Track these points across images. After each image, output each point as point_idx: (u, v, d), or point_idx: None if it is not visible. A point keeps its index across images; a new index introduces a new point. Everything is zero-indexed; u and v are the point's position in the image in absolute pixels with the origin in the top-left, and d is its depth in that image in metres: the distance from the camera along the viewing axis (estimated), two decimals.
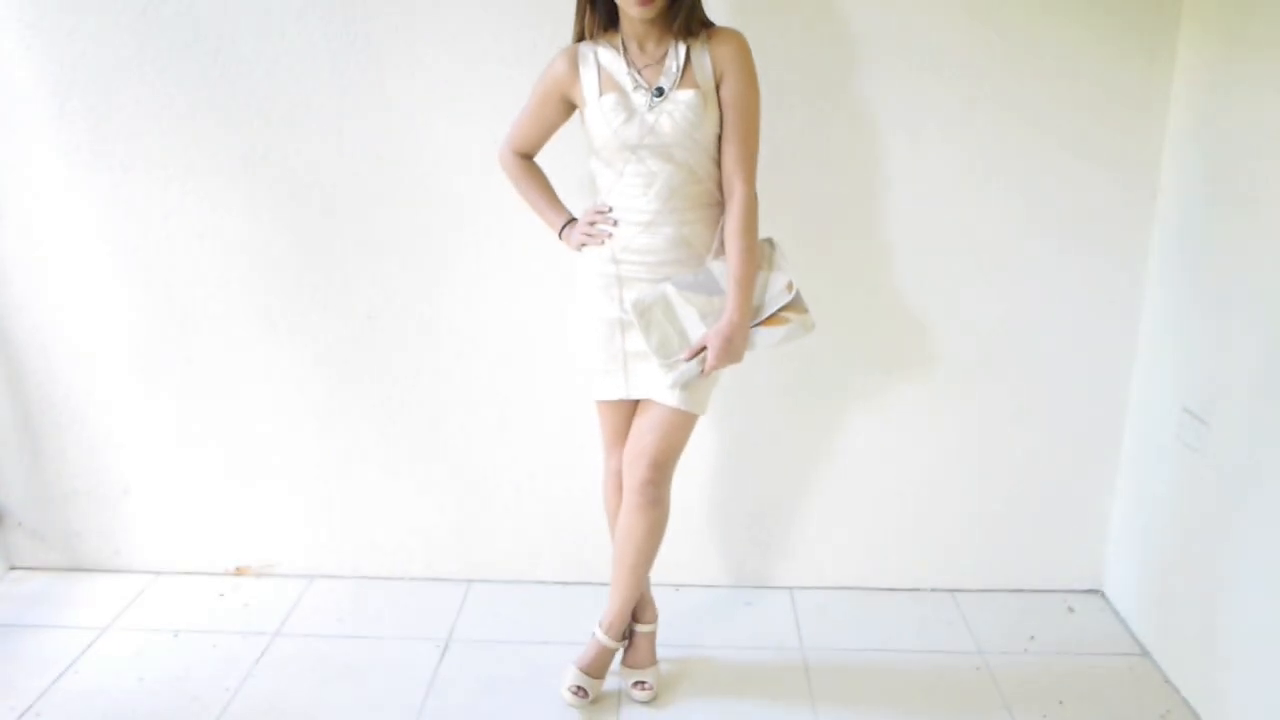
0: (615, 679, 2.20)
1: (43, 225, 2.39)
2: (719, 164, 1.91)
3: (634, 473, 2.00)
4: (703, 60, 1.86)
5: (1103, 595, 2.56)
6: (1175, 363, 2.23)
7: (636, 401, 2.04)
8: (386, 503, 2.58)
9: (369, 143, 2.29)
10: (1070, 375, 2.42)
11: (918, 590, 2.58)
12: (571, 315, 2.07)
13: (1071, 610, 2.50)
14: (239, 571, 2.64)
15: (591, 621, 2.19)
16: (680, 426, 1.98)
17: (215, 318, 2.44)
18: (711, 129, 1.87)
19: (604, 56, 1.89)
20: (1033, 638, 2.39)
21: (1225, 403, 2.03)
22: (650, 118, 1.84)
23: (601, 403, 2.08)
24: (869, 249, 2.35)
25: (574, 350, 2.08)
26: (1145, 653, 2.33)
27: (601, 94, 1.87)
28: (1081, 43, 2.19)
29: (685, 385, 1.92)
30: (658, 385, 1.95)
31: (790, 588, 2.60)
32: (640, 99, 1.85)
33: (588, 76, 1.89)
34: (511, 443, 2.52)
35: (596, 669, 2.14)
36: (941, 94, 2.23)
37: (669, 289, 1.91)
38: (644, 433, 1.99)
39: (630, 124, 1.85)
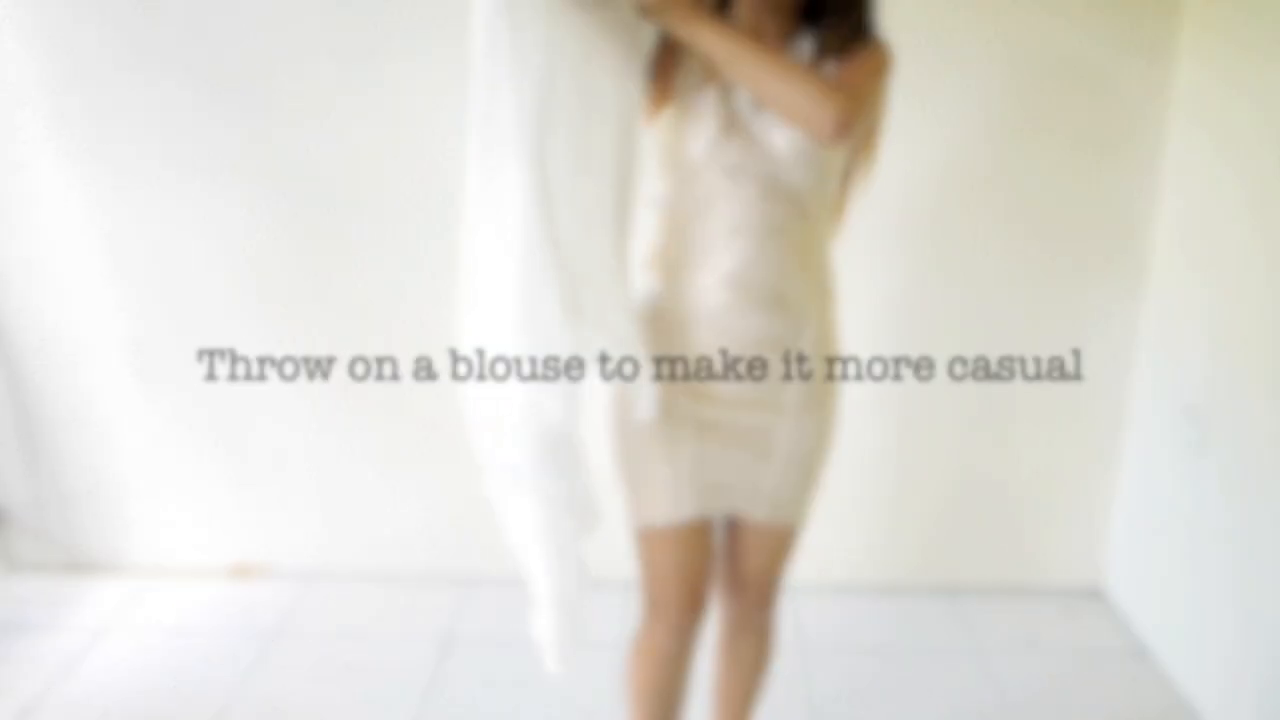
0: (608, 672, 2.19)
1: (43, 225, 2.39)
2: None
3: (745, 597, 1.74)
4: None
5: (1103, 595, 2.56)
6: (1175, 363, 2.23)
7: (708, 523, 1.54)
8: (386, 503, 2.58)
9: (369, 143, 2.29)
10: (1070, 375, 2.42)
11: (917, 590, 2.59)
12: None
13: (1071, 610, 2.50)
14: (239, 571, 2.64)
15: (592, 621, 2.16)
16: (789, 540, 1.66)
17: (215, 318, 2.44)
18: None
19: None
20: (1033, 638, 2.39)
21: (1225, 403, 2.03)
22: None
23: (656, 533, 1.51)
24: (869, 249, 2.34)
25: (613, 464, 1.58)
26: (1145, 653, 2.33)
27: None
28: (1081, 43, 2.19)
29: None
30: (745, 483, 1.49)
31: (790, 588, 2.59)
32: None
33: None
34: None
35: None
36: (942, 93, 2.23)
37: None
38: (747, 555, 1.64)
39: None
